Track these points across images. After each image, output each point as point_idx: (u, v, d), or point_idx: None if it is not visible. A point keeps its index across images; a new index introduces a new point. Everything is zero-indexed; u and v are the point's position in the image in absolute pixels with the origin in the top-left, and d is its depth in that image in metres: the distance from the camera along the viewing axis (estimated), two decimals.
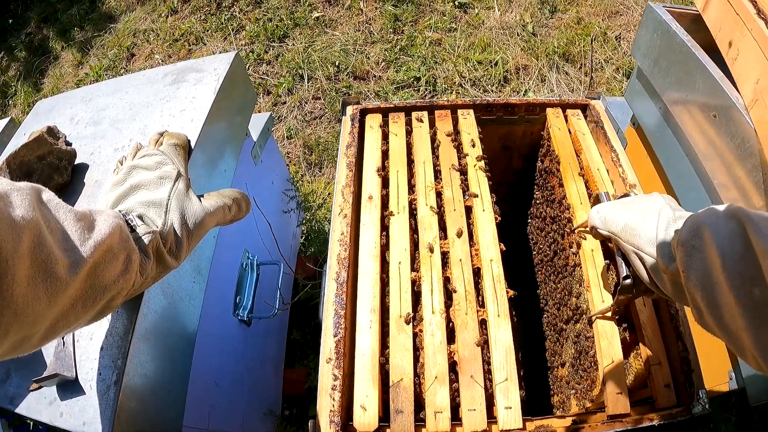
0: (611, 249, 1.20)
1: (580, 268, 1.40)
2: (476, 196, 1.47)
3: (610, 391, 1.18)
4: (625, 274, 1.10)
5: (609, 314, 1.26)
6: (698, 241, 0.82)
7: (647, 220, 1.01)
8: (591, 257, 1.36)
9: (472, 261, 1.36)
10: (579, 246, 1.40)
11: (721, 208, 0.84)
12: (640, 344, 1.26)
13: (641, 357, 1.25)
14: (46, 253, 0.70)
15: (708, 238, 0.80)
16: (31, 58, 4.86)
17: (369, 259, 1.35)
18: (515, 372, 1.19)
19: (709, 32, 1.62)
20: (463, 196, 1.48)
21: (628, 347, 1.30)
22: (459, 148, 1.61)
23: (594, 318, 1.27)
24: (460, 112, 1.70)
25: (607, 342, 1.23)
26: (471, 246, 1.39)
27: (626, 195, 1.20)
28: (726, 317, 0.77)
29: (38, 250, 0.69)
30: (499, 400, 1.16)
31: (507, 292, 1.30)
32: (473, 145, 1.60)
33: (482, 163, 1.55)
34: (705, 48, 1.57)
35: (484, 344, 1.23)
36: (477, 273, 1.36)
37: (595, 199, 1.25)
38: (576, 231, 1.43)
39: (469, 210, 1.47)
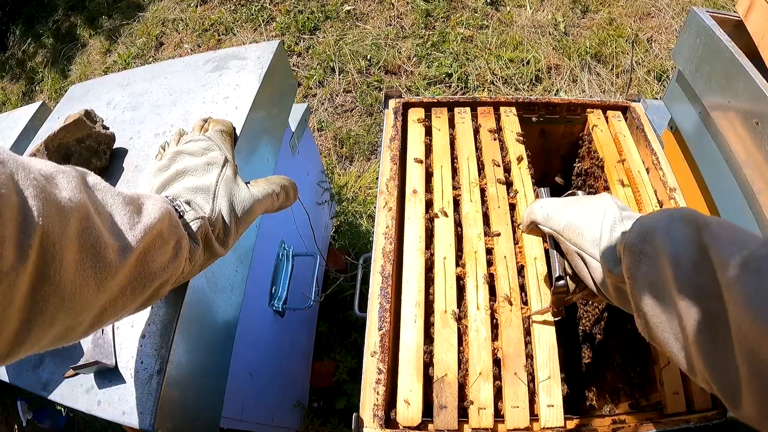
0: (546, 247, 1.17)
1: None
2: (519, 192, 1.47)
3: (668, 392, 1.17)
4: (557, 274, 1.07)
5: (549, 314, 1.23)
6: (648, 246, 0.78)
7: (592, 220, 0.96)
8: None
9: (516, 258, 1.35)
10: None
11: (674, 211, 0.79)
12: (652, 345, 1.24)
13: (651, 360, 1.25)
14: (95, 237, 0.68)
15: (659, 243, 0.75)
16: (59, 45, 4.88)
17: (414, 253, 1.34)
18: (558, 370, 1.17)
19: (751, 38, 1.60)
20: (507, 193, 1.47)
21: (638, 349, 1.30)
22: (502, 145, 1.60)
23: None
24: (502, 109, 1.69)
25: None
26: (515, 244, 1.38)
27: (573, 193, 1.15)
28: (675, 330, 0.72)
29: (86, 233, 0.67)
30: (542, 397, 1.14)
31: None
32: (517, 143, 1.59)
33: (526, 161, 1.53)
34: (747, 54, 1.55)
35: (528, 342, 1.23)
36: (521, 271, 1.34)
37: (536, 196, 1.22)
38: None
39: (512, 207, 1.46)
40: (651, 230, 0.78)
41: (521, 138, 1.60)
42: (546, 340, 1.21)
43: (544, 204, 1.10)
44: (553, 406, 1.13)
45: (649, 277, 0.76)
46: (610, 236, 0.90)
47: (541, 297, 1.27)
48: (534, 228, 1.13)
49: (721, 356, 0.65)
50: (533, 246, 1.36)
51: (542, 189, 1.22)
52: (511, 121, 1.65)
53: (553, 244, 1.10)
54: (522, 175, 1.51)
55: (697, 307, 0.67)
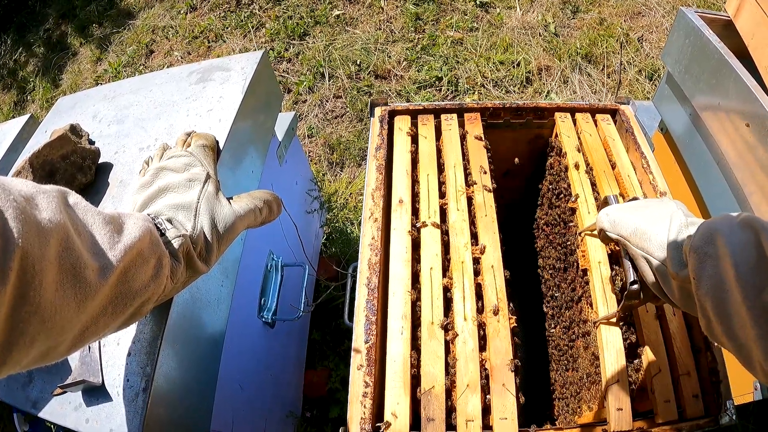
0: (618, 253, 1.18)
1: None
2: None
3: (660, 400, 1.17)
4: (632, 278, 1.08)
5: (614, 320, 1.24)
6: (712, 248, 0.82)
7: (658, 225, 1.00)
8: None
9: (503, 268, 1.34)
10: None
11: (735, 215, 0.83)
12: (644, 352, 1.24)
13: (643, 368, 1.24)
14: (75, 257, 0.68)
15: (722, 246, 0.80)
16: (50, 54, 4.87)
17: (400, 264, 1.33)
18: (626, 374, 1.18)
19: (741, 38, 1.59)
20: (494, 201, 1.46)
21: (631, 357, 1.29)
22: (489, 151, 1.59)
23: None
24: (578, 115, 1.71)
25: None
26: (503, 252, 1.37)
27: (635, 198, 1.20)
28: (736, 328, 0.76)
29: (66, 254, 0.67)
30: (611, 401, 1.15)
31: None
32: (575, 150, 1.60)
33: (584, 167, 1.56)
34: (736, 54, 1.54)
35: (572, 347, 1.23)
36: (567, 277, 1.35)
37: (603, 202, 1.24)
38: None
39: (573, 212, 1.48)
40: (714, 233, 0.83)
41: (579, 146, 1.61)
42: (614, 343, 1.22)
43: (610, 211, 1.15)
44: (621, 409, 1.14)
45: (712, 277, 0.80)
46: (677, 240, 0.95)
47: (606, 301, 1.28)
48: (604, 236, 1.17)
49: None
50: (597, 250, 1.36)
51: (611, 196, 1.24)
52: (566, 126, 1.67)
53: (624, 250, 1.13)
54: (582, 180, 1.52)
55: (757, 305, 0.73)
